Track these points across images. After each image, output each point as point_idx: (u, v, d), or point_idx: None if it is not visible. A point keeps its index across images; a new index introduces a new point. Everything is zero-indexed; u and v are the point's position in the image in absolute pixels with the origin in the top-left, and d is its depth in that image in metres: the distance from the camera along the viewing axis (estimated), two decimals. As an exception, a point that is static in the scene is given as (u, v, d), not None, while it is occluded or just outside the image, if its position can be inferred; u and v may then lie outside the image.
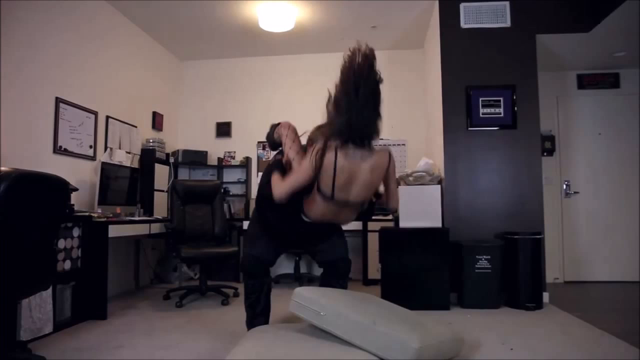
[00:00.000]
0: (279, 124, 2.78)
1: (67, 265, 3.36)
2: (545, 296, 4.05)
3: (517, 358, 2.58)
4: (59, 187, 2.58)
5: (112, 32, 4.67)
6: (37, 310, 2.98)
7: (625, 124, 5.30)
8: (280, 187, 2.41)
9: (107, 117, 4.56)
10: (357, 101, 2.31)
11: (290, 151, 2.57)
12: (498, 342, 2.86)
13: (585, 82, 5.42)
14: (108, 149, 4.54)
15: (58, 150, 3.85)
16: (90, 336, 3.09)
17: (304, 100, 5.95)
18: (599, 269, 5.22)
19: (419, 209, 4.03)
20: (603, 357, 2.59)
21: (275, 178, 2.46)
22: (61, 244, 3.29)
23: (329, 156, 2.33)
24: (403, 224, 4.04)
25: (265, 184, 2.58)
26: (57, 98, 3.85)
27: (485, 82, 4.32)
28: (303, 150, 2.58)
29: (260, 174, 3.84)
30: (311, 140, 2.52)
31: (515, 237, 3.92)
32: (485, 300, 3.86)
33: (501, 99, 4.30)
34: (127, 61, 4.95)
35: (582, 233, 5.29)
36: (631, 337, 2.90)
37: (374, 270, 4.95)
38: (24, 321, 2.86)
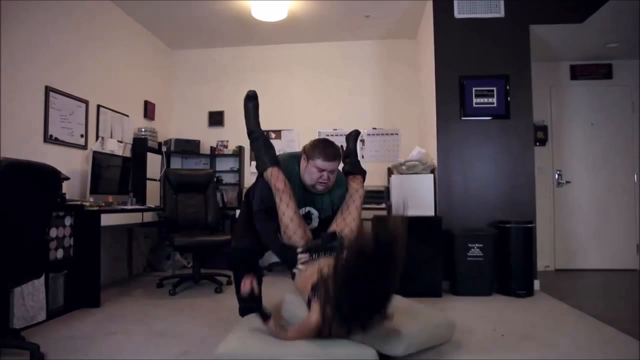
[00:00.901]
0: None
1: (60, 254, 3.35)
2: (536, 284, 4.10)
3: (507, 343, 2.62)
4: (50, 176, 2.56)
5: (102, 21, 4.61)
6: (30, 299, 2.97)
7: (617, 115, 5.34)
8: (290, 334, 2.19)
9: (98, 106, 4.52)
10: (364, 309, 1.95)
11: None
12: (489, 329, 2.90)
13: (578, 72, 5.44)
14: (99, 138, 4.51)
15: (49, 139, 3.82)
16: (83, 324, 3.09)
17: (297, 90, 5.94)
18: (589, 257, 5.29)
19: (412, 198, 4.04)
20: (590, 342, 2.63)
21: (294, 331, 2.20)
22: (53, 232, 3.28)
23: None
24: (396, 212, 4.05)
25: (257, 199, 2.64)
26: (46, 87, 3.80)
27: (479, 72, 4.32)
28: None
29: (254, 163, 3.85)
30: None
31: (508, 225, 3.96)
32: (477, 287, 3.90)
33: (494, 89, 4.31)
34: (117, 50, 4.90)
35: (573, 222, 5.34)
36: (619, 323, 2.95)
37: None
38: (16, 309, 2.86)
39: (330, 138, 5.58)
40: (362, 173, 3.00)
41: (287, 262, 2.55)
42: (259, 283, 2.89)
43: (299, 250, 2.45)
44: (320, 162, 2.57)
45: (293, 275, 2.50)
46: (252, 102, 2.78)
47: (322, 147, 2.62)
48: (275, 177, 2.49)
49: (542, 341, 2.66)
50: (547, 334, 2.79)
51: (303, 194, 2.69)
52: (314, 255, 2.43)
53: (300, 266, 2.44)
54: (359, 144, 5.63)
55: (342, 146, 3.06)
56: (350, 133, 3.25)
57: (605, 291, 4.30)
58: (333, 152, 2.62)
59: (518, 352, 2.48)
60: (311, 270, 2.28)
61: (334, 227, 2.64)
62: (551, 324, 3.04)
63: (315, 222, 2.76)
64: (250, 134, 2.77)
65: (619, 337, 2.72)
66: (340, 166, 2.86)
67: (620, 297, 4.00)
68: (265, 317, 2.21)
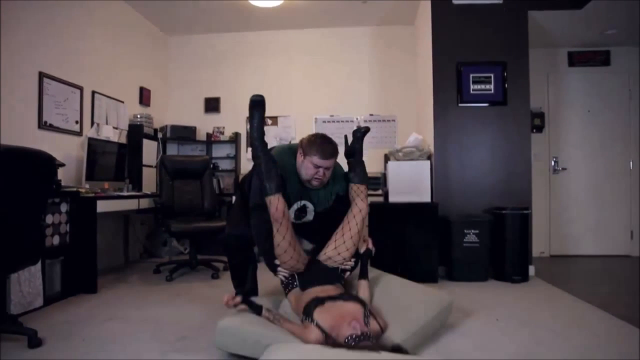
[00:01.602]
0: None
1: (56, 240, 3.35)
2: (531, 269, 4.13)
3: (502, 328, 2.65)
4: (45, 162, 2.55)
5: (97, 7, 4.54)
6: (27, 285, 2.97)
7: (614, 102, 5.34)
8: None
9: (93, 92, 4.49)
10: None
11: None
12: (484, 313, 2.92)
13: (575, 59, 5.42)
14: (95, 125, 4.48)
15: (43, 125, 3.79)
16: (80, 309, 3.11)
17: (294, 76, 5.90)
18: (584, 244, 5.33)
19: (409, 184, 4.05)
20: (583, 326, 2.66)
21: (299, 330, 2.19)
22: (49, 219, 3.27)
23: None
24: (392, 198, 4.06)
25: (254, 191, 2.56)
26: (40, 73, 3.76)
27: (476, 58, 4.31)
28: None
29: (250, 150, 3.83)
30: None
31: (503, 212, 3.98)
32: (473, 273, 3.93)
33: (492, 75, 4.30)
34: (112, 36, 4.84)
35: (568, 209, 5.37)
36: (613, 307, 2.99)
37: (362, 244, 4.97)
38: (13, 295, 2.86)
39: (327, 124, 5.68)
40: (367, 182, 2.79)
41: (269, 266, 2.53)
42: (254, 270, 2.91)
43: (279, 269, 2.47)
44: (316, 160, 2.53)
45: (284, 286, 2.52)
46: (258, 111, 2.47)
47: (320, 144, 2.56)
48: (275, 207, 2.33)
49: (537, 325, 2.68)
50: (542, 319, 2.82)
51: (299, 188, 2.67)
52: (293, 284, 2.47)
53: (281, 275, 2.48)
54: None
55: (345, 136, 3.01)
56: (359, 129, 2.93)
57: (599, 277, 4.34)
58: (330, 149, 2.56)
59: (513, 336, 2.50)
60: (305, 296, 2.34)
61: (332, 246, 2.59)
62: (545, 308, 3.07)
63: (310, 216, 2.74)
64: (252, 146, 2.51)
65: (612, 322, 2.75)
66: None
67: (614, 283, 4.04)
68: (257, 310, 2.25)
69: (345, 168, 2.85)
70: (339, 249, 2.58)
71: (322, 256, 2.59)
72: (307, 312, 2.15)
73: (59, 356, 2.24)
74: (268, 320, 2.24)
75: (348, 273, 2.59)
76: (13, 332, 2.48)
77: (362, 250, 2.61)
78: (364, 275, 2.56)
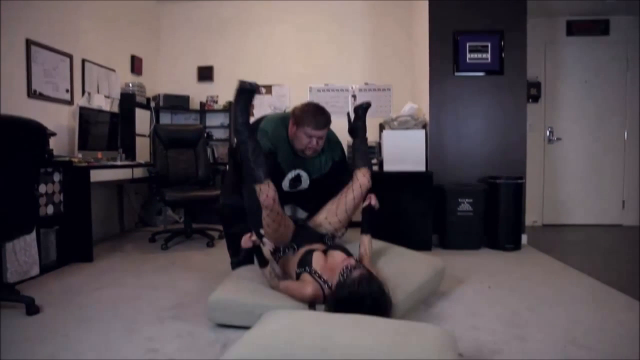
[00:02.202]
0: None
1: (50, 209, 3.34)
2: (524, 238, 4.18)
3: (494, 295, 2.70)
4: (36, 131, 2.52)
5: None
6: (23, 254, 2.98)
7: (611, 72, 5.29)
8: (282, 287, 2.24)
9: (83, 60, 4.39)
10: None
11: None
12: (477, 281, 2.97)
13: (574, 28, 5.34)
14: (86, 93, 4.40)
15: (32, 94, 3.72)
16: (76, 278, 3.13)
17: (288, 44, 5.80)
18: (577, 213, 5.38)
19: (403, 153, 4.05)
20: (573, 293, 2.72)
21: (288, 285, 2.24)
22: (42, 189, 3.25)
23: None
24: (387, 167, 4.06)
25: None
26: (27, 40, 3.67)
27: (473, 27, 4.23)
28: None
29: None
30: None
31: (498, 181, 3.99)
32: (466, 242, 3.98)
33: (489, 44, 4.24)
34: (101, 2, 4.70)
35: (562, 178, 5.40)
36: (602, 275, 3.05)
37: (357, 212, 5.01)
38: (10, 264, 2.87)
39: (322, 93, 5.62)
40: (369, 165, 2.74)
41: (257, 234, 2.43)
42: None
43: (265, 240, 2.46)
44: (310, 130, 2.50)
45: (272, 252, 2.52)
46: (246, 98, 2.38)
47: (313, 114, 2.52)
48: (265, 194, 2.27)
49: (527, 292, 2.74)
50: (532, 286, 2.87)
51: (292, 157, 2.65)
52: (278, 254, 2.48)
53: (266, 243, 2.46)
54: (350, 99, 5.61)
55: (348, 114, 2.96)
56: (361, 105, 2.84)
57: (589, 246, 4.41)
58: (324, 120, 2.53)
59: (504, 302, 2.55)
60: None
61: (324, 214, 2.60)
62: (536, 276, 3.13)
63: (305, 184, 2.74)
64: (236, 132, 2.41)
65: (601, 288, 2.81)
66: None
67: (603, 252, 4.10)
68: (263, 262, 2.27)
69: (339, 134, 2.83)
70: (330, 218, 2.59)
71: (312, 222, 2.60)
72: (303, 262, 2.22)
73: (57, 323, 2.27)
74: (265, 278, 2.27)
75: (337, 239, 2.61)
76: (11, 299, 2.50)
77: (364, 204, 2.59)
78: (365, 230, 2.54)
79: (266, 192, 2.27)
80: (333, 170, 2.77)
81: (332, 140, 2.76)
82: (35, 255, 3.10)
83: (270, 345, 1.45)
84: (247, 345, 1.47)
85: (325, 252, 2.31)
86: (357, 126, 2.82)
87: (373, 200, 2.59)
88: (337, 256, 2.22)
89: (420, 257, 2.77)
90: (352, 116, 2.89)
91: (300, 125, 2.52)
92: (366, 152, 2.77)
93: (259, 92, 2.74)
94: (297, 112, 2.56)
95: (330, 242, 2.55)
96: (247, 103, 2.38)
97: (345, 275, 1.99)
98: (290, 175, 2.68)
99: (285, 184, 2.68)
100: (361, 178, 2.62)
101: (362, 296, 1.87)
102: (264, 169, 2.31)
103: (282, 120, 2.69)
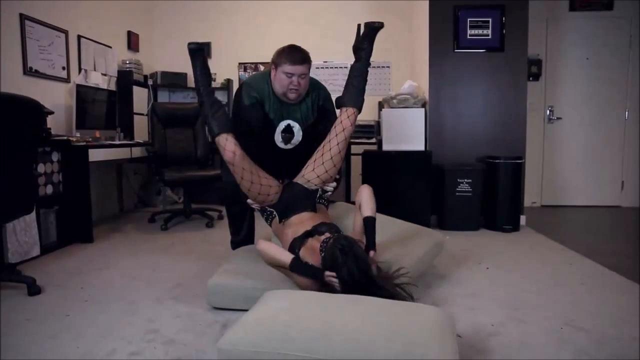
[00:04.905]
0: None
1: (49, 189, 3.34)
2: (522, 219, 4.18)
3: (491, 276, 2.73)
4: (34, 110, 2.49)
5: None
6: (23, 234, 2.99)
7: (614, 49, 5.20)
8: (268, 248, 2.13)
9: (79, 37, 4.32)
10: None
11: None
12: (475, 262, 2.99)
13: (577, 3, 5.24)
14: (82, 71, 4.35)
15: (28, 71, 3.67)
16: (77, 258, 3.15)
17: (286, 21, 5.70)
18: (576, 194, 5.37)
19: (402, 132, 4.02)
20: (570, 274, 2.75)
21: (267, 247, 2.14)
22: (41, 168, 3.24)
23: None
24: (386, 147, 4.05)
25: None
26: (21, 14, 3.60)
27: (474, 1, 4.16)
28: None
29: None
30: None
31: (497, 161, 3.98)
32: (464, 222, 3.99)
33: (490, 19, 4.17)
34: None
35: (562, 159, 5.37)
36: (600, 256, 3.07)
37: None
38: (10, 244, 2.88)
39: (321, 70, 5.55)
40: (359, 105, 2.50)
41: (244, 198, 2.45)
42: (251, 218, 2.92)
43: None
44: (287, 67, 2.43)
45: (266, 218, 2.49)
46: (197, 58, 2.35)
47: (289, 51, 2.47)
48: (223, 148, 2.20)
49: (525, 273, 2.76)
50: (531, 268, 2.89)
51: (279, 107, 2.57)
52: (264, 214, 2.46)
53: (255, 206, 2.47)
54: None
55: (358, 25, 2.73)
56: (373, 22, 2.59)
57: (588, 227, 4.42)
58: (300, 55, 2.46)
59: (502, 284, 2.57)
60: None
61: (310, 166, 2.47)
62: (534, 257, 3.15)
63: (298, 135, 2.64)
64: (197, 94, 2.40)
65: (598, 269, 2.83)
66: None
67: (601, 233, 4.12)
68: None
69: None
70: (317, 170, 2.45)
71: (300, 178, 2.47)
72: (292, 249, 2.16)
73: (58, 303, 2.29)
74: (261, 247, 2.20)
75: (329, 194, 2.52)
76: (12, 280, 2.52)
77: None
78: (371, 246, 2.21)
79: (223, 145, 2.21)
80: (320, 117, 2.66)
81: (314, 84, 2.68)
82: (36, 236, 3.11)
83: (269, 330, 1.46)
84: (246, 330, 1.48)
85: (311, 234, 2.17)
86: (362, 46, 2.58)
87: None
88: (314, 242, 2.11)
89: (420, 228, 2.87)
90: (362, 31, 2.62)
91: (279, 65, 2.46)
92: (360, 89, 2.51)
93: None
94: (273, 56, 2.53)
95: (321, 201, 2.44)
96: (202, 63, 2.35)
97: (324, 249, 1.95)
98: (281, 126, 2.61)
99: (278, 139, 2.62)
100: (344, 120, 2.44)
101: (343, 252, 1.84)
102: (220, 121, 2.26)
103: (265, 74, 2.64)
